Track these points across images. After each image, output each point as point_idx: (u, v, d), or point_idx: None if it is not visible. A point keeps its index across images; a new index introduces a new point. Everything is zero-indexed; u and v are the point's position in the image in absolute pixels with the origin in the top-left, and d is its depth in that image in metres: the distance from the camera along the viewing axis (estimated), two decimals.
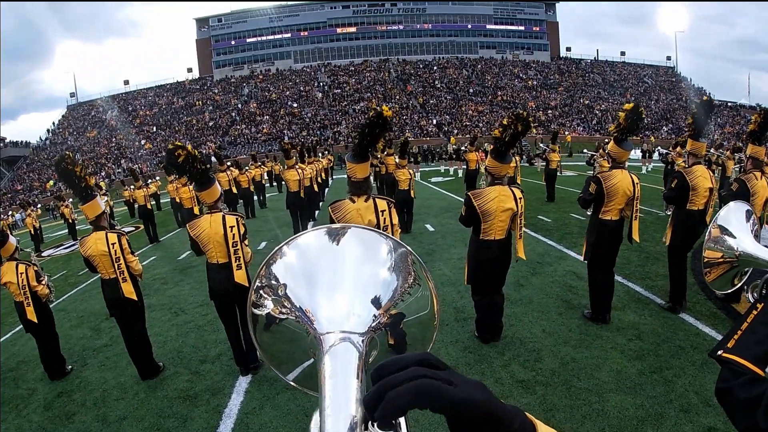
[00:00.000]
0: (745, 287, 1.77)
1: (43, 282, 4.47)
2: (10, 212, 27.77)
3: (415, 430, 3.00)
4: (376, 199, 3.51)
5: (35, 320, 4.29)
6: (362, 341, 0.51)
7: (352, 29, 55.63)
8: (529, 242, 7.52)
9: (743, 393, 0.77)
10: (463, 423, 0.38)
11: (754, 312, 0.89)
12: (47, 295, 4.51)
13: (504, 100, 48.32)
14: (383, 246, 0.62)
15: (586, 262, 4.66)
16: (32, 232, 15.15)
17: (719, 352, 0.88)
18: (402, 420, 0.45)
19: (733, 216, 1.72)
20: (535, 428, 0.40)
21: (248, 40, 56.08)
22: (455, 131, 41.93)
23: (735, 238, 1.66)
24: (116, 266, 4.07)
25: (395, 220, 3.56)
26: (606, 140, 10.55)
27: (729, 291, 1.77)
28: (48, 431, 3.65)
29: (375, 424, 0.38)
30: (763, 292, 1.71)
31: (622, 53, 60.33)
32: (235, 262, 3.90)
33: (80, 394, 4.17)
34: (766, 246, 1.59)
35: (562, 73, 54.13)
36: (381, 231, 0.64)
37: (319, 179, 12.58)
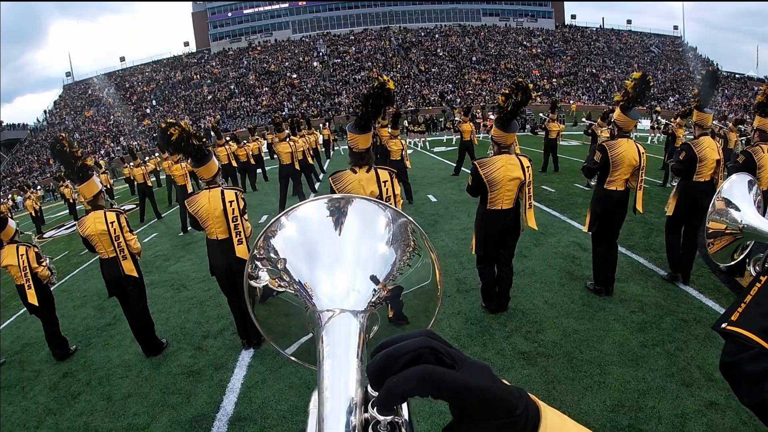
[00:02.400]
0: (748, 260, 1.74)
1: (44, 263, 4.46)
2: (10, 195, 27.79)
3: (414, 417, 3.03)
4: (378, 170, 3.47)
5: (36, 303, 4.30)
6: (362, 317, 0.50)
7: None
8: None
9: (750, 367, 0.75)
10: (466, 409, 0.36)
11: (758, 285, 0.86)
12: (48, 277, 4.50)
13: (507, 68, 47.47)
14: (382, 217, 0.60)
15: (589, 233, 4.62)
16: (33, 214, 15.15)
17: (723, 325, 0.85)
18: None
19: (736, 189, 1.71)
20: (539, 410, 0.39)
21: (245, 12, 54.90)
22: (458, 100, 41.33)
23: (739, 210, 1.64)
24: (116, 245, 4.05)
25: (397, 191, 3.55)
26: (606, 110, 10.31)
27: (730, 264, 1.76)
28: (54, 412, 3.69)
29: (375, 407, 0.37)
30: (766, 265, 1.67)
31: (628, 22, 58.24)
32: (236, 236, 3.88)
33: (85, 374, 4.22)
34: None
35: (566, 41, 52.95)
36: (380, 201, 0.61)
37: (311, 152, 12.40)
